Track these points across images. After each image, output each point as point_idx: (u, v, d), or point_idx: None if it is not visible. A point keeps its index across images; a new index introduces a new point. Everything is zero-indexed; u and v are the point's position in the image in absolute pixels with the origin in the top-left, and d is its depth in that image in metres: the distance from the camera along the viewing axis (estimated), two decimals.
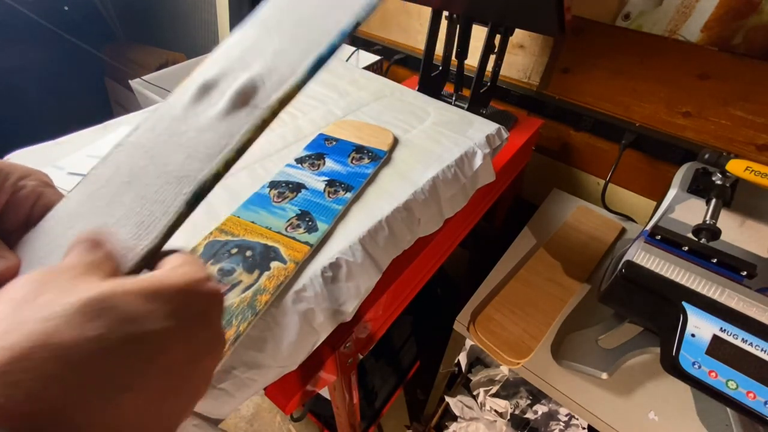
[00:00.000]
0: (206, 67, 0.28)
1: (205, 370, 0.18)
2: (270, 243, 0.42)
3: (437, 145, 0.60)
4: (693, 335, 0.47)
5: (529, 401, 0.80)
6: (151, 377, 0.15)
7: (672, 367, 0.47)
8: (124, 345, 0.14)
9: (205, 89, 0.27)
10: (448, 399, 0.92)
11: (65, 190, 0.27)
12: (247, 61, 0.27)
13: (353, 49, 1.12)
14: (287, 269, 0.40)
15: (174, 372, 0.16)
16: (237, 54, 0.28)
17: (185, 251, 0.20)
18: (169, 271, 0.18)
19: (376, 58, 1.08)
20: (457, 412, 0.90)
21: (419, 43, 0.84)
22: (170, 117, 0.27)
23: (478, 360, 0.89)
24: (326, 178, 0.51)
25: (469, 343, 0.81)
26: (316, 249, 0.43)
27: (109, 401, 0.14)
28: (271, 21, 0.28)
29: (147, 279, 0.16)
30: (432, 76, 0.86)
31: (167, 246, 0.21)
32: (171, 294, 0.16)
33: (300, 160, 0.54)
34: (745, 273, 0.50)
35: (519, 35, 0.85)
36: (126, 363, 0.14)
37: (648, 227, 0.57)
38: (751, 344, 0.45)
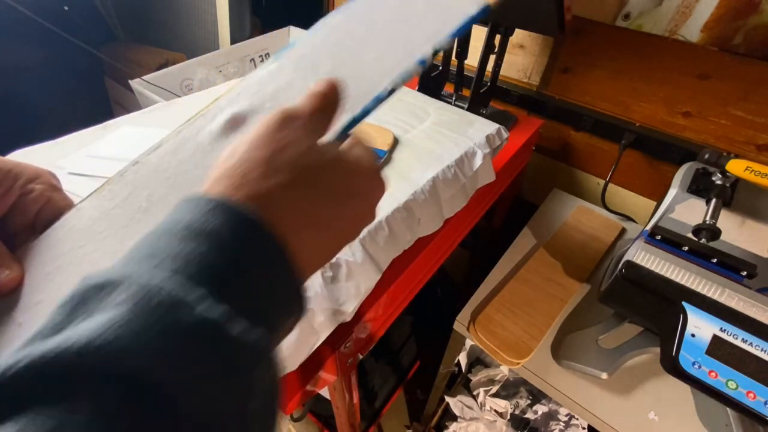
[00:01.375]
0: (237, 97, 0.27)
1: (364, 209, 0.24)
2: None
3: (437, 145, 0.60)
4: (693, 335, 0.47)
5: (529, 401, 0.80)
6: (339, 210, 0.22)
7: (672, 367, 0.47)
8: (327, 183, 0.21)
9: (236, 123, 0.26)
10: (448, 399, 0.92)
11: (71, 193, 0.27)
12: (280, 100, 0.26)
13: None
14: None
15: (347, 218, 0.22)
16: (270, 90, 0.27)
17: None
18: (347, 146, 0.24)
19: None
20: (457, 412, 0.90)
21: None
22: (195, 144, 0.26)
23: (478, 360, 0.89)
24: None
25: (469, 343, 0.81)
26: None
27: (308, 204, 0.20)
28: (306, 62, 0.28)
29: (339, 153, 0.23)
30: (432, 76, 0.86)
31: None
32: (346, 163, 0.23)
33: None
34: (745, 273, 0.50)
35: (519, 35, 0.85)
36: (323, 196, 0.21)
37: (648, 227, 0.57)
38: (751, 344, 0.45)
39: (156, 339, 0.13)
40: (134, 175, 0.26)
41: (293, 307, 0.19)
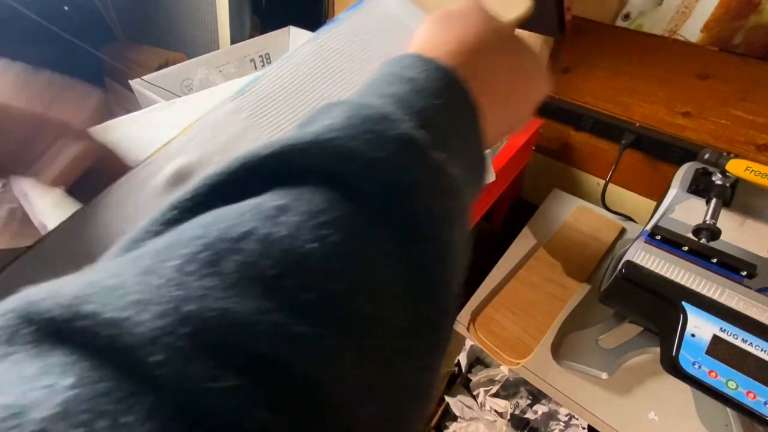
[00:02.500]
0: (189, 143, 0.26)
1: (528, 106, 0.26)
2: None
3: None
4: (693, 335, 0.47)
5: (529, 401, 0.80)
6: (514, 97, 0.24)
7: (672, 367, 0.47)
8: (512, 62, 0.24)
9: (180, 178, 0.25)
10: (448, 399, 0.92)
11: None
12: (231, 152, 0.25)
13: None
14: None
15: (520, 102, 0.25)
16: (223, 140, 0.26)
17: None
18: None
19: None
20: (457, 412, 0.90)
21: None
22: (141, 199, 0.25)
23: (478, 360, 0.89)
24: None
25: (469, 343, 0.81)
26: None
27: (498, 96, 0.22)
28: (264, 107, 0.27)
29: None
30: None
31: None
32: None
33: None
34: (745, 273, 0.50)
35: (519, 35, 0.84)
36: (510, 76, 0.23)
37: (648, 227, 0.57)
38: (751, 344, 0.45)
39: (365, 143, 0.15)
40: (70, 224, 0.26)
41: (475, 170, 0.21)
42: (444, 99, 0.18)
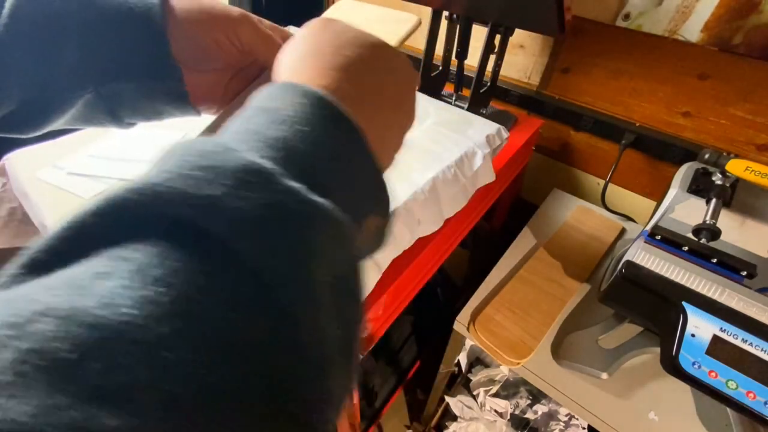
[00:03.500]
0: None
1: (408, 109, 0.24)
2: None
3: (437, 145, 0.60)
4: (693, 335, 0.47)
5: (529, 401, 0.80)
6: (386, 99, 0.21)
7: (672, 367, 0.47)
8: (384, 70, 0.21)
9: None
10: (448, 399, 0.92)
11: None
12: None
13: None
14: None
15: (401, 104, 0.22)
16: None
17: None
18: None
19: None
20: (457, 412, 0.90)
21: (419, 44, 0.84)
22: None
23: (478, 360, 0.89)
24: None
25: (469, 343, 0.81)
26: None
27: (377, 104, 0.20)
28: None
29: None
30: (432, 76, 0.86)
31: None
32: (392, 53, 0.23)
33: None
34: (745, 273, 0.50)
35: (519, 35, 0.84)
36: (384, 84, 0.21)
37: (648, 227, 0.57)
38: (751, 344, 0.45)
39: (200, 180, 0.12)
40: None
41: (374, 196, 0.18)
42: (311, 123, 0.16)
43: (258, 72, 0.29)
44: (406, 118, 0.23)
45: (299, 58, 0.20)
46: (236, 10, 0.26)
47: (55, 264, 0.11)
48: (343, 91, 0.18)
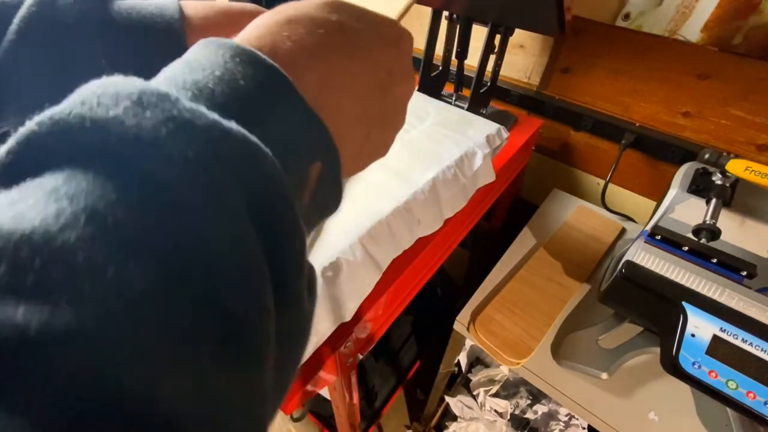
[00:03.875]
0: None
1: (397, 101, 0.22)
2: None
3: (437, 145, 0.60)
4: (693, 335, 0.47)
5: (529, 401, 0.80)
6: (365, 68, 0.19)
7: (672, 367, 0.47)
8: (349, 34, 0.19)
9: None
10: (448, 399, 0.92)
11: None
12: None
13: None
14: None
15: (374, 85, 0.20)
16: None
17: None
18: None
19: None
20: (457, 412, 0.90)
21: (419, 44, 0.84)
22: None
23: (478, 360, 0.89)
24: None
25: (469, 343, 0.81)
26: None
27: (331, 73, 0.18)
28: None
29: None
30: (432, 76, 0.86)
31: None
32: (380, 20, 0.21)
33: None
34: (745, 273, 0.50)
35: (519, 35, 0.85)
36: (346, 49, 0.19)
37: (648, 227, 0.57)
38: (751, 344, 0.45)
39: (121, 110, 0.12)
40: None
41: (311, 143, 0.17)
42: (227, 68, 0.15)
43: None
44: (382, 79, 0.21)
45: (263, 19, 0.19)
46: (250, 6, 0.26)
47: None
48: (277, 43, 0.17)
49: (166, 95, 0.13)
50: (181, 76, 0.15)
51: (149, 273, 0.11)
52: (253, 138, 0.14)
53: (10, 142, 0.12)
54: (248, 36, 0.18)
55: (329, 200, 0.19)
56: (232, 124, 0.13)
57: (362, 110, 0.20)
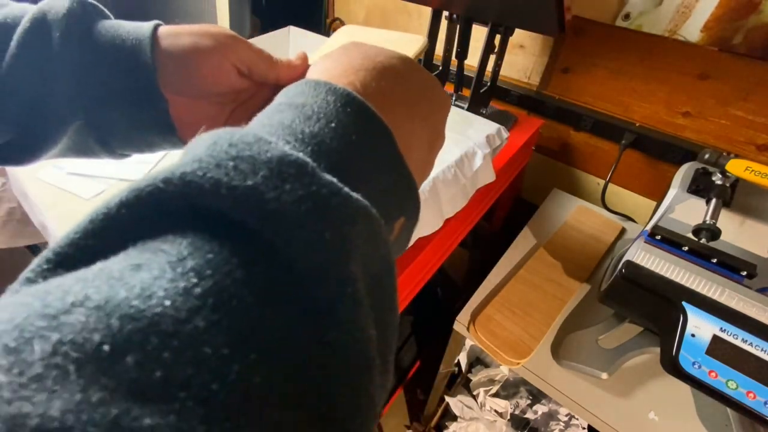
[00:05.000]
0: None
1: (438, 127, 0.24)
2: None
3: None
4: (693, 335, 0.47)
5: (529, 401, 0.80)
6: (422, 133, 0.21)
7: (672, 367, 0.47)
8: (428, 94, 0.22)
9: None
10: (448, 399, 0.92)
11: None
12: None
13: None
14: None
15: (429, 118, 0.22)
16: None
17: None
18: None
19: None
20: (457, 412, 0.90)
21: None
22: None
23: (478, 360, 0.89)
24: None
25: (469, 343, 0.81)
26: None
27: (406, 112, 0.20)
28: None
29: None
30: None
31: None
32: (438, 85, 0.23)
33: None
34: (745, 273, 0.50)
35: (519, 35, 0.85)
36: (422, 108, 0.21)
37: (648, 227, 0.57)
38: (751, 344, 0.45)
39: (232, 170, 0.12)
40: None
41: (404, 197, 0.18)
42: (339, 119, 0.15)
43: (262, 103, 0.29)
44: (435, 135, 0.23)
45: (330, 62, 0.20)
46: (227, 34, 0.26)
47: (82, 257, 0.11)
48: (372, 90, 0.18)
49: (304, 166, 0.13)
50: (298, 126, 0.15)
51: (271, 374, 0.10)
52: (374, 212, 0.14)
53: (125, 194, 0.11)
54: (344, 78, 0.18)
55: (401, 249, 0.20)
56: (360, 199, 0.13)
57: (423, 163, 0.22)
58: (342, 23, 1.12)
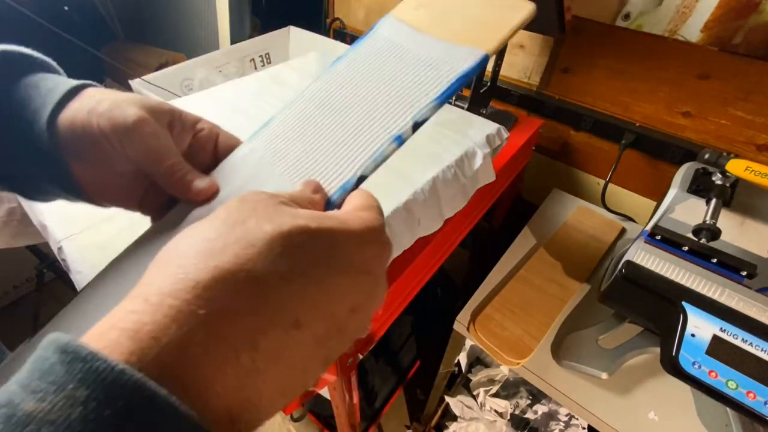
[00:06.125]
0: None
1: (364, 316, 0.18)
2: None
3: (437, 145, 0.60)
4: (693, 335, 0.47)
5: (529, 401, 0.80)
6: (317, 319, 0.16)
7: (672, 367, 0.47)
8: (302, 285, 0.15)
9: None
10: (448, 399, 0.92)
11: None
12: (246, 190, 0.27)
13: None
14: None
15: (337, 315, 0.16)
16: (237, 184, 0.27)
17: (366, 192, 0.22)
18: (351, 214, 0.19)
19: None
20: (457, 412, 0.90)
21: None
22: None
23: (478, 360, 0.89)
24: None
25: (469, 343, 0.81)
26: None
27: (280, 332, 0.15)
28: (276, 145, 0.28)
29: (332, 219, 0.17)
30: None
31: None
32: (350, 239, 0.17)
33: None
34: (745, 273, 0.50)
35: (519, 35, 0.84)
36: (299, 301, 0.15)
37: (648, 227, 0.57)
38: (751, 344, 0.45)
39: None
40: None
41: None
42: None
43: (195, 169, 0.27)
44: (360, 329, 0.18)
45: (202, 236, 0.15)
46: (133, 114, 0.23)
47: None
48: (218, 307, 0.13)
49: None
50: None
51: None
52: None
53: None
54: (133, 326, 0.13)
55: None
56: None
57: (300, 371, 0.16)
58: (342, 23, 1.12)
